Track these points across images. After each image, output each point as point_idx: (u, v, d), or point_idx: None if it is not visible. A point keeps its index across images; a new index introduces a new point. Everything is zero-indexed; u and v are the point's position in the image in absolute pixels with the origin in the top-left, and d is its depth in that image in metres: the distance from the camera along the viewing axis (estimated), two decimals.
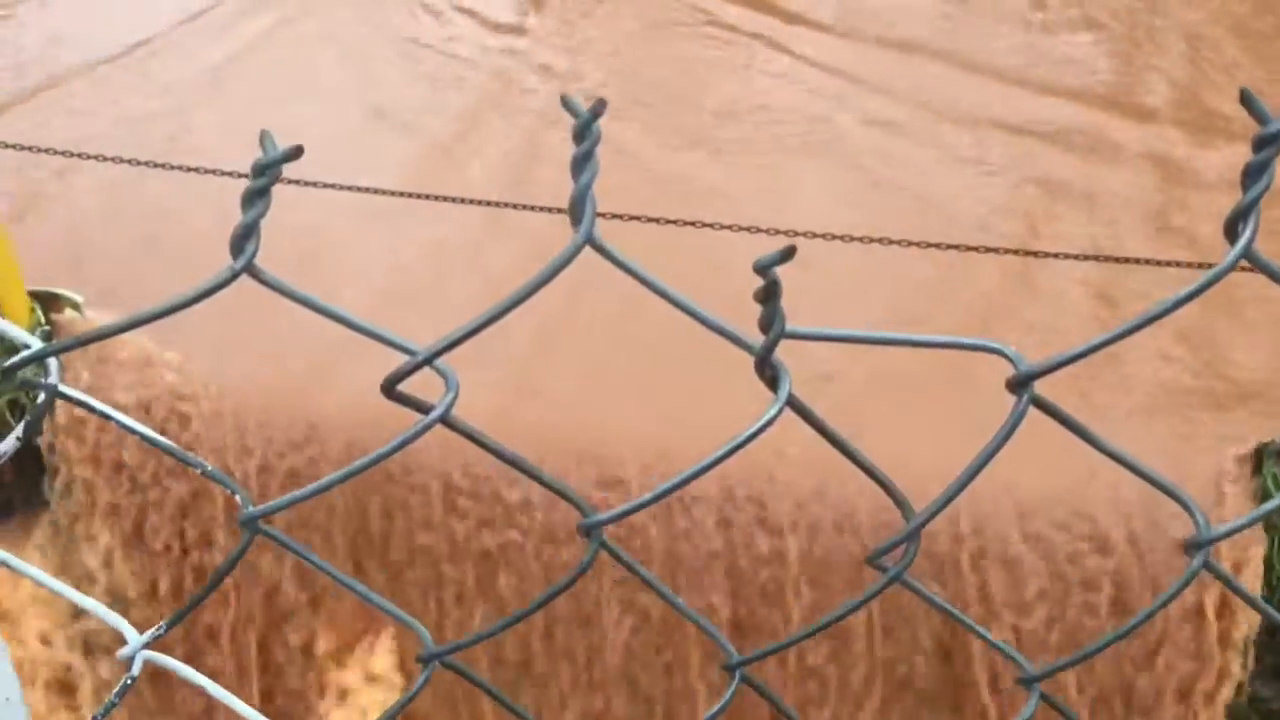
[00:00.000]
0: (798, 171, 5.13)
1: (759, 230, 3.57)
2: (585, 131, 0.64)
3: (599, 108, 0.63)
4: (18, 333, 0.63)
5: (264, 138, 0.62)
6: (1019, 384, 0.70)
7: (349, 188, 3.81)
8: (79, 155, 3.89)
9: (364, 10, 6.25)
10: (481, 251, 4.44)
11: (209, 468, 0.72)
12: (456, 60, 5.81)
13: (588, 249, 0.67)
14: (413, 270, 4.50)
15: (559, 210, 3.56)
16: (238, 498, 0.68)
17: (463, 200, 3.83)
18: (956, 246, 3.80)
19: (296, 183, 3.63)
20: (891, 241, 3.65)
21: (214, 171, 3.82)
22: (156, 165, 3.86)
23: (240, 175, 3.84)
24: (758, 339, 0.69)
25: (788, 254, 0.63)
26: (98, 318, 4.13)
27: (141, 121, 5.15)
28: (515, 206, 3.76)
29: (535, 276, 0.66)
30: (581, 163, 0.63)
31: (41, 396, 0.63)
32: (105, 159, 3.88)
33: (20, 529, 4.18)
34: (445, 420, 0.69)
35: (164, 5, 6.10)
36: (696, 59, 5.94)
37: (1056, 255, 3.95)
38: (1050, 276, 4.38)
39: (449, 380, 0.69)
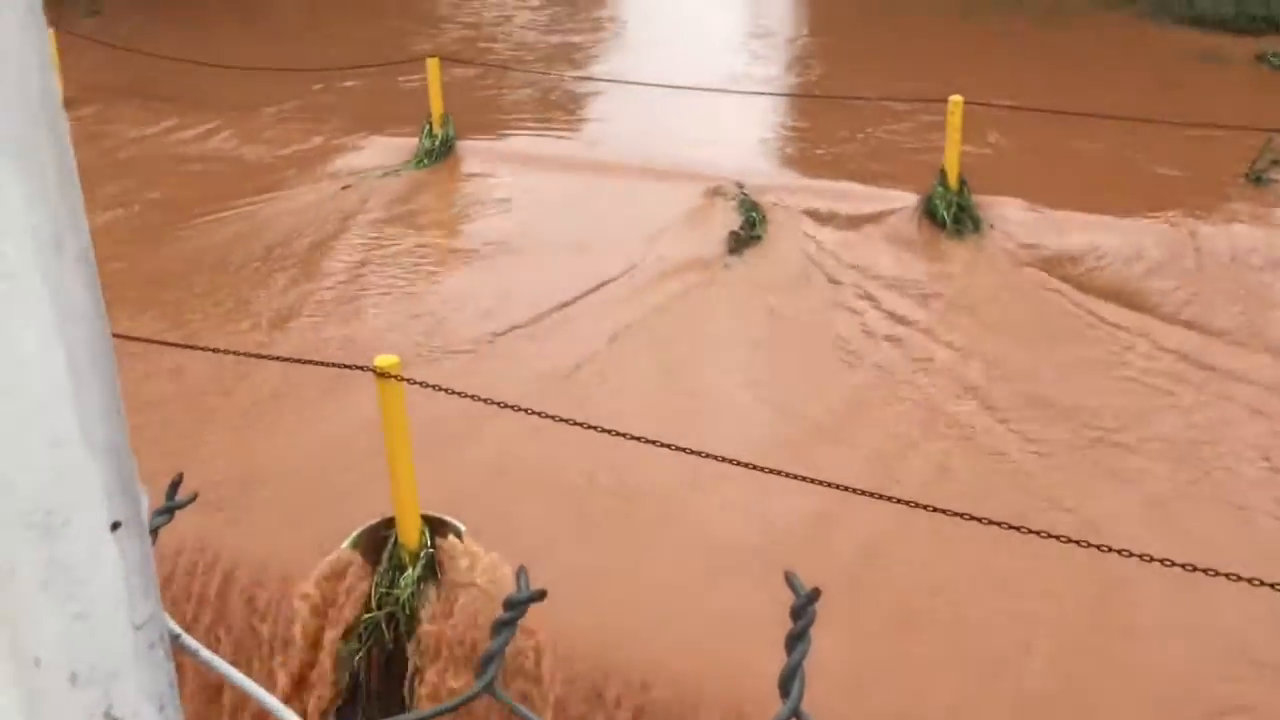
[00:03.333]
0: (1186, 491, 4.76)
1: (1115, 552, 3.32)
2: (802, 611, 0.66)
3: (814, 595, 0.65)
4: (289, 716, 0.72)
5: (519, 575, 0.69)
6: None
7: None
8: (486, 400, 4.33)
9: (754, 289, 6.64)
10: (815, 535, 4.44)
11: None
12: (840, 344, 5.99)
13: None
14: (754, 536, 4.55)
15: (907, 501, 3.51)
16: None
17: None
18: None
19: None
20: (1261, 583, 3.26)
21: (596, 428, 4.11)
22: (548, 416, 4.21)
23: (619, 434, 4.13)
24: None
25: None
26: (475, 547, 4.49)
27: (549, 377, 5.69)
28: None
29: None
30: (795, 640, 0.65)
31: None
32: (507, 406, 4.30)
33: None
34: None
35: (585, 272, 6.80)
36: (1082, 363, 5.78)
37: None
38: None
39: None
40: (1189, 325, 6.14)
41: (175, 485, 0.78)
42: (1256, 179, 7.93)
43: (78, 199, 0.59)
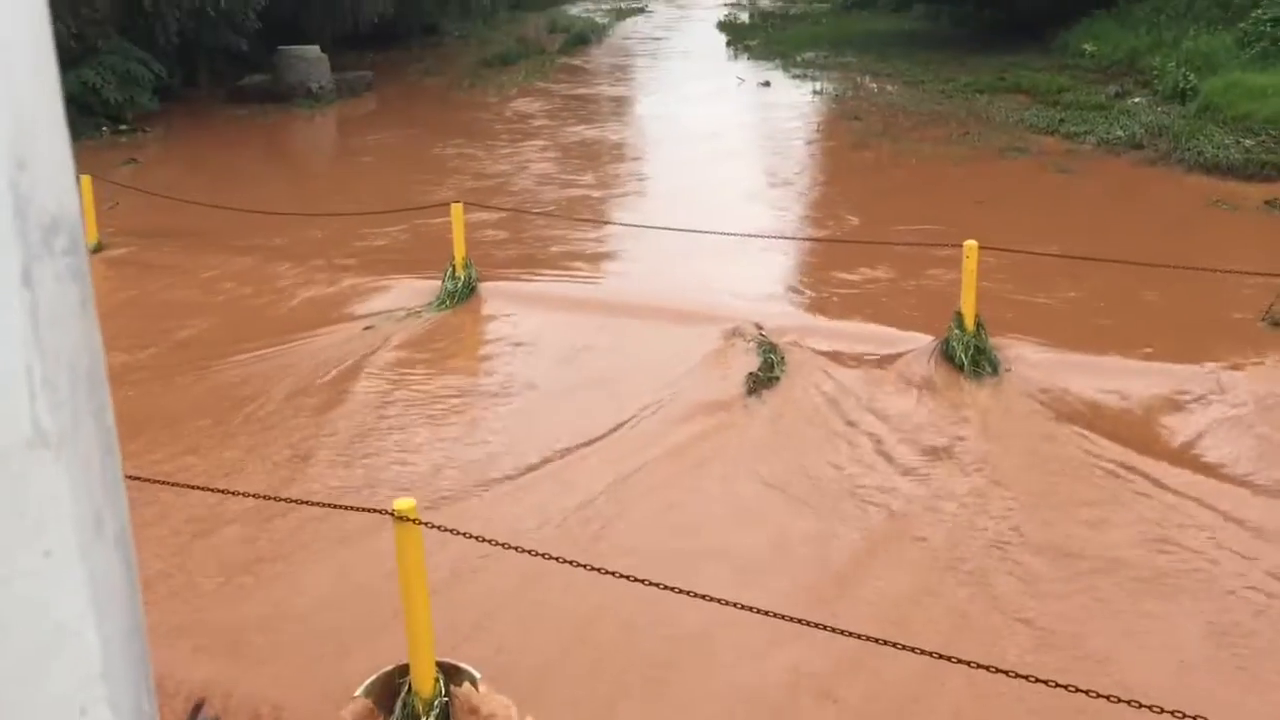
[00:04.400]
0: (1191, 639, 4.65)
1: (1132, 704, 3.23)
2: None
3: None
4: None
5: None
6: None
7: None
8: (505, 545, 4.31)
9: (772, 431, 6.65)
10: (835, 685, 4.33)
11: None
12: (857, 488, 5.96)
13: None
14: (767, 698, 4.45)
15: (929, 652, 3.44)
16: None
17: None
18: None
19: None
20: None
21: (613, 573, 4.08)
22: (563, 560, 4.19)
23: (636, 579, 4.09)
24: None
25: None
26: (490, 695, 4.41)
27: (567, 518, 5.67)
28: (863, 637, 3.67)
29: None
30: None
31: None
32: (525, 551, 4.27)
33: None
34: None
35: (603, 413, 6.84)
36: (1102, 509, 5.72)
37: None
38: None
39: None
40: (1207, 470, 6.09)
41: (198, 708, 0.78)
42: (1275, 323, 7.97)
43: (119, 482, 0.62)
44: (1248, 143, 13.35)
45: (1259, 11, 17.68)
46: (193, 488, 5.35)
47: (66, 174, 0.60)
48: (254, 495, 4.74)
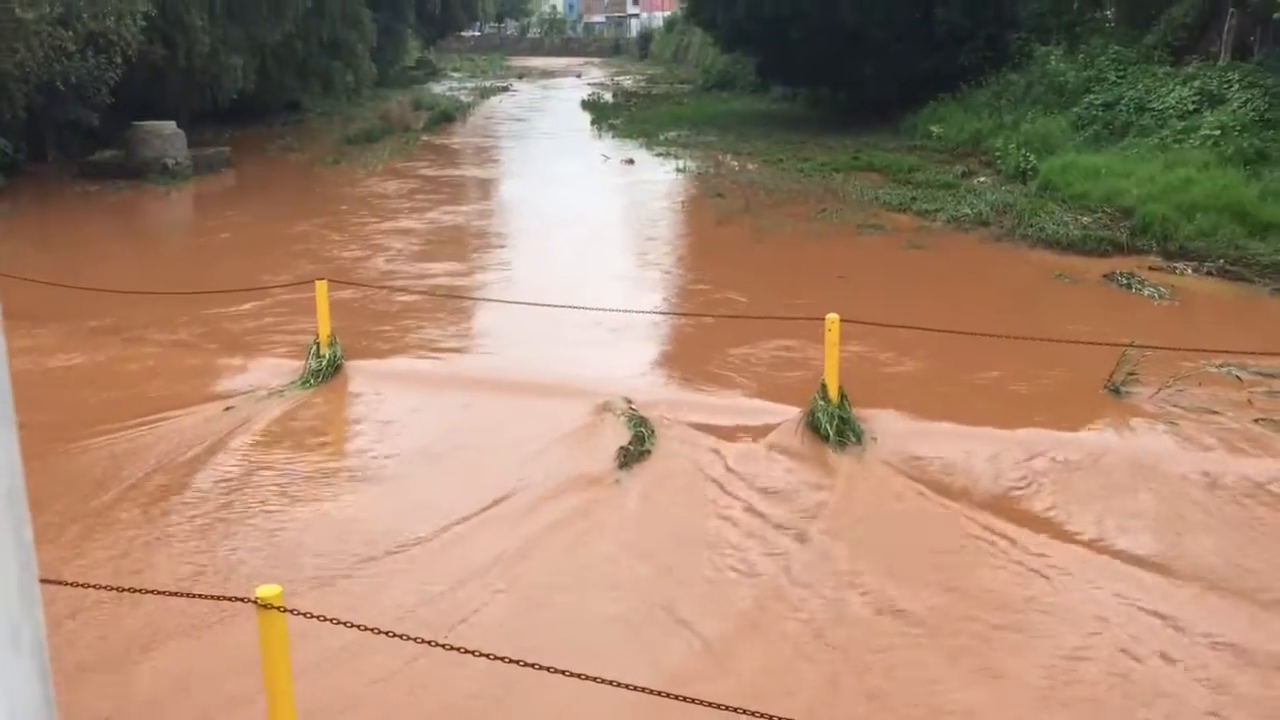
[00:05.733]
0: (1058, 697, 4.80)
1: None
2: None
3: None
4: None
5: None
6: None
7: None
8: (375, 630, 4.20)
9: (643, 505, 6.67)
10: None
11: None
12: (728, 559, 6.00)
13: None
14: None
15: None
16: None
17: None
18: None
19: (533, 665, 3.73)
20: None
21: (489, 656, 4.00)
22: (433, 644, 4.10)
23: (512, 661, 4.02)
24: None
25: None
26: None
27: (436, 600, 5.55)
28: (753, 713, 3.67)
29: None
30: None
31: None
32: (392, 635, 4.17)
33: None
34: None
35: (473, 492, 6.76)
36: (962, 573, 5.87)
37: None
38: None
39: None
40: (1060, 534, 6.32)
41: None
42: (1115, 390, 8.38)
43: (35, 596, 0.60)
44: (1085, 219, 14.12)
45: (1091, 97, 18.83)
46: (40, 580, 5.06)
47: None
48: (102, 586, 4.51)
